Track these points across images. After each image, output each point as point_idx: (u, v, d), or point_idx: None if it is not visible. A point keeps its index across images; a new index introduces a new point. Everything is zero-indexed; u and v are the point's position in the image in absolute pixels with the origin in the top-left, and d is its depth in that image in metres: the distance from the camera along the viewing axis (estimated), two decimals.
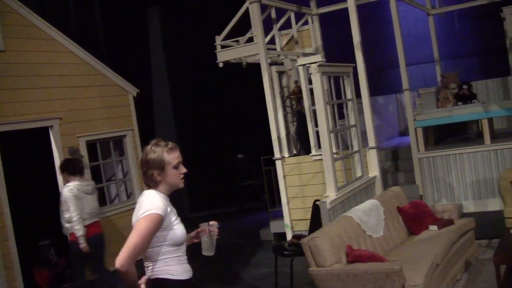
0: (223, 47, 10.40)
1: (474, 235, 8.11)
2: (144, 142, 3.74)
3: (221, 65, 10.46)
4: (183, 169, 4.16)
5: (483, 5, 13.85)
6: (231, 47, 10.41)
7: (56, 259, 9.86)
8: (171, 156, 4.09)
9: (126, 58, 14.62)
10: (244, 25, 10.36)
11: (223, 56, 10.34)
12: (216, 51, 10.35)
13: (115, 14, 15.09)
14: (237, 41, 10.66)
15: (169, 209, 4.07)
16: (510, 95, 14.29)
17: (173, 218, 4.08)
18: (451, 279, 7.00)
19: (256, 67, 10.36)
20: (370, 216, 7.33)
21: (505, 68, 14.59)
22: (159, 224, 3.93)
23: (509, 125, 14.17)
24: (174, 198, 4.20)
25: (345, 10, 9.79)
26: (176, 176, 4.11)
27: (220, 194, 15.81)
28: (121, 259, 3.77)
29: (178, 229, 4.08)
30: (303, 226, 9.71)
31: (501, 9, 14.19)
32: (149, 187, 4.10)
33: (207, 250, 4.34)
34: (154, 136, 14.31)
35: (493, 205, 10.70)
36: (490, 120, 11.49)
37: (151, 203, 3.97)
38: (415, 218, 7.97)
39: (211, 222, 4.33)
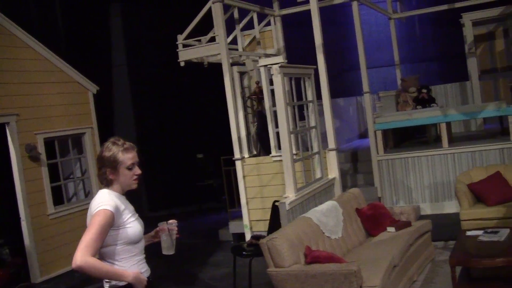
0: (185, 46, 10.35)
1: (430, 237, 8.22)
2: (103, 140, 3.71)
3: (182, 64, 10.40)
4: (138, 171, 4.11)
5: (443, 11, 14.05)
6: (193, 46, 10.37)
7: (11, 259, 9.69)
8: (125, 156, 4.04)
9: (87, 55, 14.45)
10: (206, 25, 10.32)
11: (184, 55, 10.29)
12: (177, 50, 10.30)
13: (76, 11, 14.92)
14: (199, 40, 10.63)
15: (122, 207, 4.01)
16: (468, 100, 14.53)
17: (128, 216, 4.02)
18: (408, 280, 7.08)
19: (217, 67, 10.33)
20: (329, 217, 7.37)
21: (463, 74, 14.83)
22: (110, 219, 3.87)
23: (467, 129, 14.41)
24: (133, 197, 4.16)
25: (308, 12, 9.84)
26: (129, 177, 4.07)
27: (180, 194, 15.74)
28: (75, 258, 3.69)
29: (131, 227, 4.02)
30: (262, 227, 9.72)
31: (461, 15, 14.43)
32: (103, 185, 4.06)
33: (167, 249, 4.31)
34: (114, 134, 14.22)
35: (450, 207, 10.85)
36: (448, 124, 11.65)
37: (101, 200, 3.93)
38: (373, 219, 8.03)
39: (170, 221, 4.30)
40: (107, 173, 4.01)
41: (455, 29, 15.18)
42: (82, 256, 3.69)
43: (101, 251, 3.96)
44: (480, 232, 7.12)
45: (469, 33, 14.42)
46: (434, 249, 8.36)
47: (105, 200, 3.93)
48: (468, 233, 7.24)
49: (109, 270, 3.86)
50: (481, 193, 8.60)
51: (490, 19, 14.43)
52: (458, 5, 13.68)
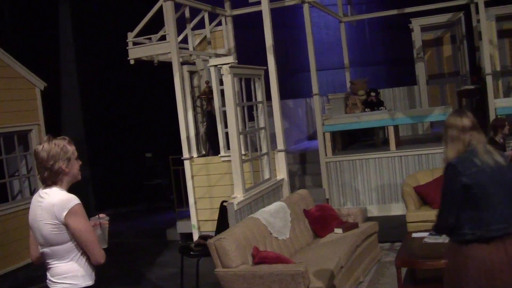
0: (135, 44, 10.25)
1: (377, 238, 8.32)
2: None
3: (132, 62, 10.30)
4: (80, 161, 4.16)
5: (393, 15, 14.25)
6: (143, 45, 10.29)
7: None
8: (73, 147, 4.08)
9: (34, 50, 14.17)
10: (157, 23, 10.24)
11: (134, 53, 10.19)
12: (127, 48, 10.20)
13: (24, 5, 14.62)
14: (150, 38, 10.54)
15: None
16: (416, 104, 14.76)
17: None
18: (355, 281, 7.14)
19: (167, 65, 10.27)
20: (276, 218, 7.38)
21: (411, 78, 15.07)
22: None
23: (414, 133, 14.64)
24: (79, 195, 4.11)
25: (259, 13, 9.83)
26: (76, 167, 4.10)
27: (127, 193, 15.56)
28: (99, 257, 4.00)
29: None
30: (210, 227, 9.68)
31: (410, 21, 14.66)
32: (49, 184, 4.00)
33: (100, 243, 4.27)
34: (61, 131, 14.00)
35: (396, 209, 10.99)
36: (396, 127, 11.81)
37: (66, 197, 3.95)
38: (321, 221, 8.08)
39: (101, 215, 4.26)
40: (62, 167, 3.99)
41: (404, 34, 15.41)
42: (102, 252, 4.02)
43: (54, 250, 3.94)
44: (425, 234, 7.22)
45: (417, 38, 14.67)
46: (381, 250, 8.46)
47: (67, 195, 3.97)
48: (414, 235, 7.34)
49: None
50: (427, 195, 8.73)
51: (438, 25, 14.71)
52: (407, 10, 13.89)
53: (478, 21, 12.04)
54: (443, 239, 6.90)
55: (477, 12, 11.43)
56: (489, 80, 10.62)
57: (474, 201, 4.06)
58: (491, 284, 4.02)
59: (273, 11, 9.89)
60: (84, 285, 4.01)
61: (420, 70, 14.69)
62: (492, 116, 10.48)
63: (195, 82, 11.58)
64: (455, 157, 4.16)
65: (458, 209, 4.09)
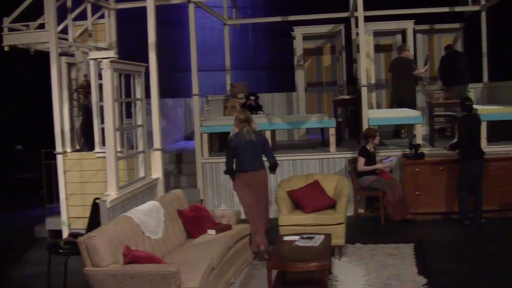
0: (11, 30, 9.85)
1: (249, 241, 8.38)
2: None
3: (6, 48, 9.90)
4: None
5: (277, 22, 14.49)
6: (20, 31, 9.90)
7: None
8: None
9: None
10: (36, 10, 9.88)
11: (10, 39, 9.80)
12: (2, 34, 9.78)
13: None
14: (27, 25, 10.15)
15: None
16: (293, 110, 15.06)
17: None
18: (226, 282, 7.17)
19: (45, 55, 9.94)
20: (150, 217, 7.30)
21: (291, 84, 15.37)
22: None
23: (290, 138, 14.93)
24: None
25: (143, 8, 9.72)
26: None
27: None
28: None
29: None
30: (81, 224, 9.44)
31: (293, 29, 14.96)
32: None
33: None
34: None
35: (270, 212, 11.08)
36: (273, 132, 11.99)
37: None
38: (195, 221, 8.07)
39: None
40: None
41: (286, 41, 15.70)
42: None
43: None
44: (296, 238, 7.41)
45: (299, 46, 14.98)
46: (252, 252, 8.54)
47: None
48: (286, 238, 7.50)
49: None
50: (299, 200, 8.90)
51: (320, 35, 15.12)
52: (291, 18, 14.17)
53: (357, 34, 12.45)
54: (314, 242, 7.11)
55: (357, 26, 11.81)
56: (364, 91, 10.97)
57: (237, 153, 8.34)
58: (250, 190, 8.39)
59: (158, 8, 9.80)
60: None
61: (300, 77, 15.02)
62: (365, 126, 10.85)
63: (73, 74, 11.27)
64: (234, 134, 8.40)
65: (233, 157, 8.41)
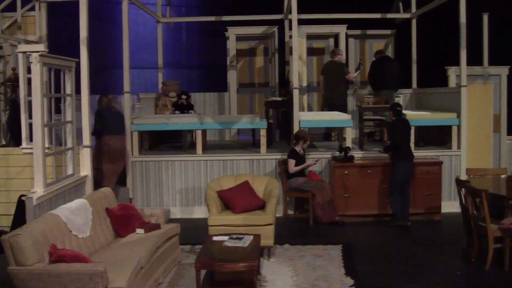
0: None
1: (178, 240, 8.36)
2: None
3: None
4: None
5: (210, 22, 14.50)
6: None
7: None
8: None
9: None
10: None
11: None
12: None
13: None
14: None
15: None
16: (225, 110, 15.08)
17: None
18: (154, 281, 7.13)
19: None
20: (77, 215, 7.19)
21: (223, 84, 15.40)
22: None
23: (221, 138, 14.95)
24: None
25: (76, 3, 9.55)
26: None
27: None
28: None
29: None
30: (6, 222, 9.22)
31: (227, 29, 14.98)
32: None
33: None
34: None
35: (199, 212, 11.15)
36: (204, 132, 11.98)
37: None
38: (123, 220, 7.99)
39: None
40: None
41: (220, 41, 15.73)
42: None
43: None
44: (225, 238, 7.43)
45: (232, 46, 15.02)
46: (181, 252, 8.52)
47: None
48: (215, 238, 7.51)
49: None
50: (229, 200, 8.92)
51: (253, 36, 15.20)
52: (225, 18, 14.19)
53: (291, 37, 12.57)
54: (243, 243, 7.14)
55: (290, 29, 11.92)
56: (295, 93, 11.09)
57: None
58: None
59: (90, 3, 9.65)
60: None
61: (232, 78, 15.05)
62: (296, 128, 10.96)
63: (1, 67, 11.00)
64: None
65: None
